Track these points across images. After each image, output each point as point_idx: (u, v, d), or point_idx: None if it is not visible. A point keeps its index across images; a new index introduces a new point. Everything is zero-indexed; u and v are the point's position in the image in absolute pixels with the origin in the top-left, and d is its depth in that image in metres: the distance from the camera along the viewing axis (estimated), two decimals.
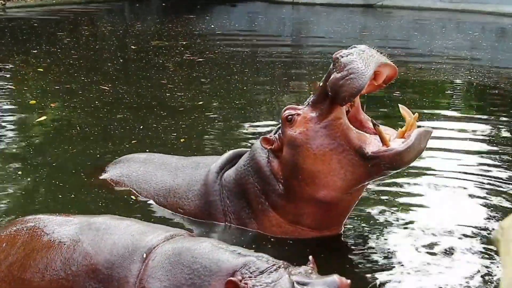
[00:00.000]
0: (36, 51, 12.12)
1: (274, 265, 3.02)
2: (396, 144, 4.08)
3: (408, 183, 5.62)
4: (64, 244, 3.53)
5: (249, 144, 6.57)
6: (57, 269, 3.45)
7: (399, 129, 4.19)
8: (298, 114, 4.30)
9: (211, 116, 7.84)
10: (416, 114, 4.20)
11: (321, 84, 4.26)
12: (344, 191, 4.28)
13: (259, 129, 7.22)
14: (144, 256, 3.31)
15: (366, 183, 4.41)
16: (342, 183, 4.22)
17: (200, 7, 20.46)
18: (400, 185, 5.56)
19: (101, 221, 3.61)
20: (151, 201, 5.06)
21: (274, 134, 4.46)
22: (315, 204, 4.37)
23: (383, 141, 4.12)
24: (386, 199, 5.30)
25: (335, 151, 4.16)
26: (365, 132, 4.28)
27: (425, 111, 8.14)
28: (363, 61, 4.01)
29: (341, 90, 4.02)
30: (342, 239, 4.61)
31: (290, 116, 4.31)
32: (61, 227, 3.66)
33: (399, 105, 4.25)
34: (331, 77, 4.09)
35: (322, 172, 4.21)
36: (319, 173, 4.22)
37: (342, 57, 4.08)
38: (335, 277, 2.89)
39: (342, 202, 4.40)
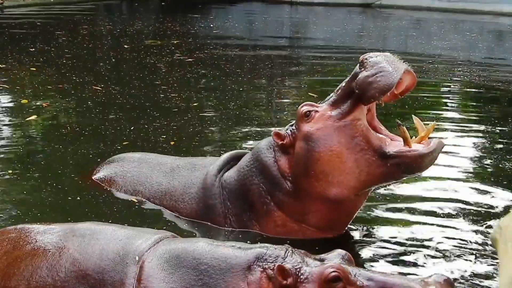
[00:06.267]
0: (30, 50, 12.03)
1: (286, 250, 3.12)
2: (418, 147, 4.15)
3: (407, 183, 5.59)
4: (49, 251, 3.52)
5: (240, 146, 6.52)
6: (43, 276, 3.44)
7: (413, 137, 4.24)
8: (316, 111, 4.32)
9: (205, 117, 7.75)
10: (435, 122, 4.35)
11: (343, 84, 4.30)
12: (356, 191, 4.29)
13: (253, 131, 7.16)
14: (137, 259, 3.32)
15: (377, 186, 4.46)
16: (355, 182, 4.24)
17: (202, 6, 20.37)
18: (399, 185, 5.54)
19: (85, 227, 3.62)
20: (145, 203, 5.00)
21: (286, 130, 4.45)
22: (324, 203, 4.36)
23: (406, 141, 4.17)
24: (386, 200, 5.31)
25: (353, 149, 4.19)
26: None
27: (423, 110, 8.15)
28: (391, 63, 4.10)
29: (371, 87, 4.07)
30: (344, 239, 4.60)
31: (308, 112, 4.32)
32: (43, 235, 3.66)
33: (413, 116, 4.31)
34: (360, 75, 4.13)
35: (336, 169, 4.22)
36: (333, 171, 4.23)
37: (371, 57, 4.16)
38: (339, 250, 3.14)
39: (350, 202, 4.40)
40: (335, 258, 3.05)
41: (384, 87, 4.04)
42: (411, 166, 4.14)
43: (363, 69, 4.15)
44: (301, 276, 2.98)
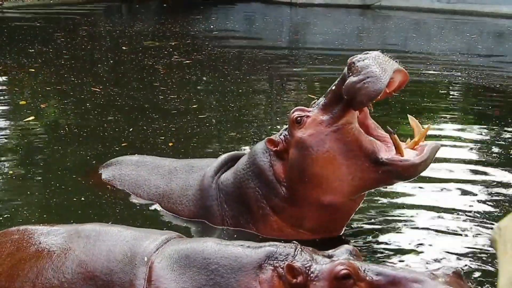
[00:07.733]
0: (29, 51, 12.02)
1: (296, 248, 3.13)
2: (410, 155, 4.08)
3: (407, 184, 5.54)
4: (54, 253, 3.51)
5: (239, 148, 6.50)
6: (49, 278, 3.42)
7: (408, 139, 4.21)
8: (308, 116, 4.26)
9: (204, 119, 7.72)
10: (429, 125, 4.24)
11: (333, 88, 4.23)
12: (350, 196, 4.27)
13: (252, 133, 7.13)
14: (146, 259, 3.31)
15: (371, 189, 4.41)
16: (348, 188, 4.21)
17: (203, 7, 20.36)
18: (398, 185, 5.48)
19: (90, 229, 3.60)
20: (145, 205, 4.99)
21: (279, 136, 4.40)
22: (319, 208, 4.33)
23: (398, 149, 4.10)
24: (385, 200, 5.30)
25: (345, 155, 4.14)
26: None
27: (423, 112, 8.12)
28: (380, 65, 3.99)
29: (359, 94, 3.99)
30: (342, 239, 4.58)
31: (299, 118, 4.26)
32: (47, 237, 3.64)
33: (409, 115, 4.27)
34: (347, 81, 4.05)
35: (330, 176, 4.18)
36: (327, 177, 4.19)
37: (359, 61, 4.05)
38: (346, 245, 3.15)
39: (345, 207, 4.38)
40: (343, 254, 3.06)
41: (371, 93, 3.96)
42: (402, 174, 4.10)
43: (350, 73, 4.05)
44: (311, 274, 3.00)
